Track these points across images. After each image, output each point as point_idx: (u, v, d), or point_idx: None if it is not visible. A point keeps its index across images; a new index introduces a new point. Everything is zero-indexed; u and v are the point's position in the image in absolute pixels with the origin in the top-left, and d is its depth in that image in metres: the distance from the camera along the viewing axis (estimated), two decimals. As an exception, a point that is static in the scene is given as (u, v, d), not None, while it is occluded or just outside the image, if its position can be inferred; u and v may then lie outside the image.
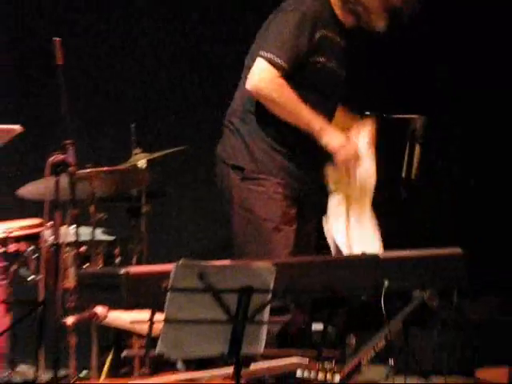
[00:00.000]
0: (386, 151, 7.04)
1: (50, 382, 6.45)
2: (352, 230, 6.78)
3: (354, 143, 6.87)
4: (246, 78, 6.94)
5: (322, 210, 6.89)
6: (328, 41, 7.03)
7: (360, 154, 6.84)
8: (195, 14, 9.17)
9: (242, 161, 6.92)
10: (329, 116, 7.10)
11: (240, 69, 6.99)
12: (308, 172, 7.00)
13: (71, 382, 6.76)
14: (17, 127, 6.47)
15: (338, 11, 7.04)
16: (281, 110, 6.86)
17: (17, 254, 6.85)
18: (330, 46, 7.04)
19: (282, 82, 6.86)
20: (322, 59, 6.99)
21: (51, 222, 6.67)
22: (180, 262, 4.86)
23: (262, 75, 6.85)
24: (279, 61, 6.80)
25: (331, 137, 6.81)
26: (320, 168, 6.92)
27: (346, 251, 6.66)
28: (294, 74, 6.93)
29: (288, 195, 6.90)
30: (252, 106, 6.97)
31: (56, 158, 6.33)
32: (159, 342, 4.96)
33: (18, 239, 6.84)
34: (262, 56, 6.83)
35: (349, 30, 7.16)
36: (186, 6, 9.11)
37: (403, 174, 6.95)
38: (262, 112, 6.92)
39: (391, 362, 6.57)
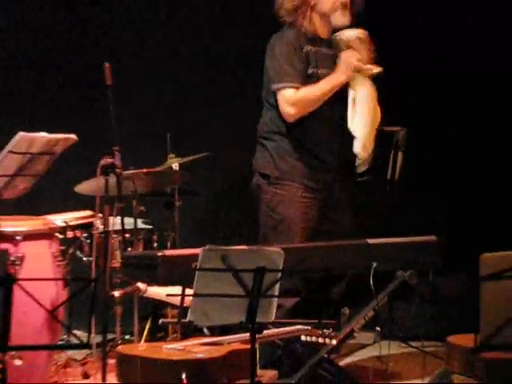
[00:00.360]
0: (376, 157, 7.07)
1: (99, 343, 6.49)
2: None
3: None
4: (267, 104, 7.14)
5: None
6: (313, 54, 7.07)
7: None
8: (225, 35, 8.96)
9: (268, 170, 7.00)
10: (330, 108, 7.08)
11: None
12: (323, 175, 7.04)
13: (117, 344, 6.81)
14: (72, 136, 6.51)
15: (311, 28, 7.01)
16: (314, 104, 6.98)
17: (73, 240, 6.86)
18: (316, 58, 7.08)
19: (301, 92, 6.97)
20: (312, 70, 7.05)
21: (101, 214, 6.74)
22: (206, 247, 4.98)
23: (285, 108, 6.96)
24: (288, 83, 6.89)
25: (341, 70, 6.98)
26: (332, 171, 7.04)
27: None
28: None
29: (306, 196, 6.94)
30: (275, 127, 7.05)
31: (105, 161, 6.40)
32: (189, 312, 5.06)
33: (74, 227, 6.85)
34: (275, 90, 6.98)
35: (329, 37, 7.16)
36: (218, 27, 8.95)
37: (388, 176, 6.95)
38: (282, 132, 7.00)
39: (378, 329, 6.61)
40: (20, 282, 4.48)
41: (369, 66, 7.03)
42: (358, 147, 6.91)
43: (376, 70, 7.02)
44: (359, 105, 6.98)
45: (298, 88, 6.96)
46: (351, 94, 7.02)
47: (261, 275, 4.65)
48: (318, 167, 7.06)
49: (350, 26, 7.10)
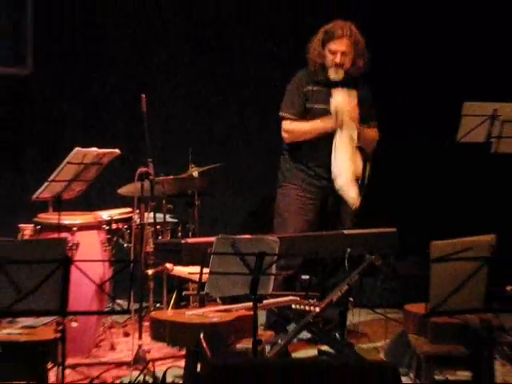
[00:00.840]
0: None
1: (137, 310, 6.52)
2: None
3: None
4: None
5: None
6: (313, 92, 6.95)
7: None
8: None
9: (279, 176, 7.05)
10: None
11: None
12: (319, 183, 6.97)
13: (150, 310, 6.87)
14: (116, 150, 6.56)
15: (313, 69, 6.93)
16: (302, 137, 6.91)
17: (117, 231, 6.87)
18: (315, 96, 6.95)
19: (294, 124, 6.95)
20: (310, 105, 6.95)
21: (138, 210, 6.77)
22: (219, 236, 5.04)
23: (282, 133, 7.01)
24: (286, 114, 6.95)
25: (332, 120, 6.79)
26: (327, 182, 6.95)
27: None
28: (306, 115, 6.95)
29: (302, 195, 6.91)
30: (285, 145, 7.07)
31: (141, 170, 6.43)
32: (206, 286, 5.12)
33: (117, 221, 6.85)
34: (280, 115, 6.98)
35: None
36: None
37: (359, 183, 6.91)
38: (286, 149, 7.05)
39: (351, 299, 6.64)
40: (75, 263, 4.54)
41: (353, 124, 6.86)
42: (338, 185, 6.86)
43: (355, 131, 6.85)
44: (339, 152, 6.85)
45: (292, 120, 6.95)
46: (335, 138, 6.87)
47: (261, 258, 4.73)
48: (314, 177, 6.96)
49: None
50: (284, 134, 7.00)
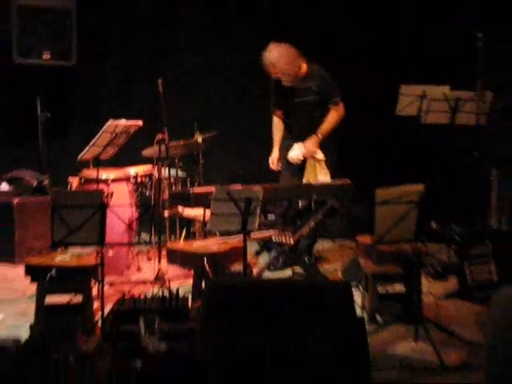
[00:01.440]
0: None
1: (156, 241, 6.53)
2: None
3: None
4: None
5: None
6: (285, 89, 6.69)
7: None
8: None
9: None
10: (298, 121, 6.81)
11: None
12: None
13: (166, 242, 6.82)
14: (140, 122, 6.54)
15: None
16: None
17: (141, 183, 6.82)
18: (288, 94, 6.72)
19: (274, 118, 6.91)
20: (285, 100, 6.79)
21: (157, 167, 6.79)
22: (218, 186, 5.06)
23: None
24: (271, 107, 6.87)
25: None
26: None
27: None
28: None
29: (287, 162, 6.76)
30: None
31: (159, 136, 6.43)
32: (208, 224, 5.14)
33: (141, 176, 6.82)
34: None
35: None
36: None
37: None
38: None
39: (317, 233, 6.69)
40: (110, 208, 4.58)
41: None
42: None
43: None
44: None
45: (273, 112, 6.91)
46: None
47: (249, 203, 4.77)
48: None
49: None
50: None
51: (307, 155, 6.60)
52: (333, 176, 6.66)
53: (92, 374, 2.59)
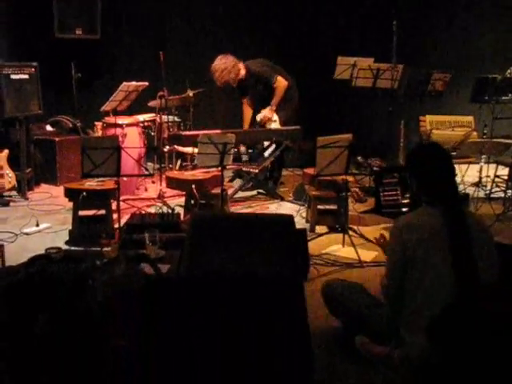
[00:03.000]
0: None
1: (159, 169, 6.53)
2: None
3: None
4: None
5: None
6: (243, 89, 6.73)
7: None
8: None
9: None
10: (257, 103, 6.78)
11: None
12: None
13: (166, 170, 6.73)
14: (146, 83, 6.47)
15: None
16: None
17: (147, 126, 6.78)
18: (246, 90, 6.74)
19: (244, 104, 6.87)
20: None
21: (159, 115, 6.72)
22: (202, 133, 4.99)
23: None
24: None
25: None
26: None
27: None
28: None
29: None
30: None
31: (160, 93, 6.37)
32: (195, 160, 5.11)
33: (148, 121, 6.79)
34: None
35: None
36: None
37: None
38: None
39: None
40: (123, 147, 4.54)
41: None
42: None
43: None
44: None
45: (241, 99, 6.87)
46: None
47: (225, 145, 4.75)
48: None
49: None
50: None
51: (265, 119, 6.57)
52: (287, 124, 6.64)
53: (112, 277, 2.58)
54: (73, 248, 4.82)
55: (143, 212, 4.47)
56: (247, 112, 6.91)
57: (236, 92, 6.86)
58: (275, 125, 6.61)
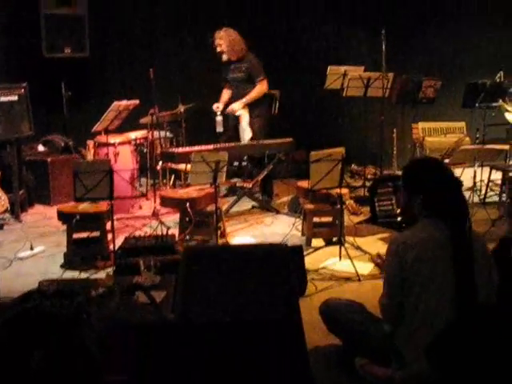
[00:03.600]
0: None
1: (152, 185, 6.50)
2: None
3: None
4: None
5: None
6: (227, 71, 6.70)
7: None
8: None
9: None
10: (233, 92, 6.74)
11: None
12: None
13: (160, 187, 6.68)
14: (137, 101, 6.45)
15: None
16: None
17: (139, 144, 6.73)
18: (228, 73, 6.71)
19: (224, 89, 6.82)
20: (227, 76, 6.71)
21: (150, 132, 6.69)
22: (193, 154, 4.94)
23: None
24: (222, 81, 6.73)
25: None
26: None
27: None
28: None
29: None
30: None
31: (151, 111, 6.34)
32: (189, 178, 5.09)
33: (139, 139, 6.73)
34: None
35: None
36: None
37: (272, 111, 6.84)
38: None
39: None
40: (116, 170, 4.52)
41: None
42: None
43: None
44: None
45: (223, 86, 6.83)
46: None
47: (217, 163, 4.73)
48: None
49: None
50: None
51: (230, 110, 6.59)
52: (266, 132, 6.67)
53: (107, 310, 2.55)
54: (68, 272, 4.79)
55: (137, 235, 4.42)
56: (225, 94, 6.85)
57: (222, 72, 6.80)
58: (244, 118, 6.57)
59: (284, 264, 2.17)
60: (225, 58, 6.58)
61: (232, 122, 6.75)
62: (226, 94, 6.83)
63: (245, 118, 6.57)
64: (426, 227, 2.88)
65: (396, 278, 2.90)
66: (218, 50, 6.54)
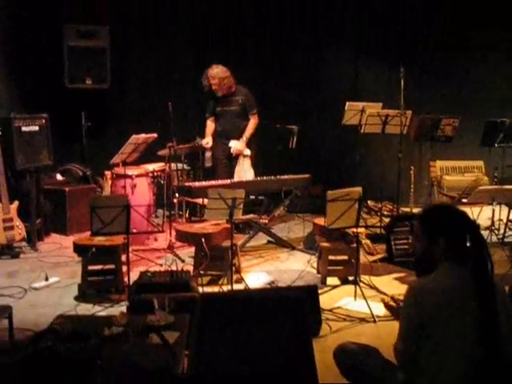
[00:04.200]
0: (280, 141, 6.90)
1: (168, 216, 6.50)
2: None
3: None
4: None
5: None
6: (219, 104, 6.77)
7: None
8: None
9: None
10: (226, 125, 6.79)
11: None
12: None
13: (175, 219, 6.70)
14: (155, 135, 6.48)
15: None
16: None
17: (157, 176, 6.81)
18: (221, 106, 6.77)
19: (208, 121, 6.85)
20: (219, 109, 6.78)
21: (168, 164, 6.71)
22: (210, 191, 4.91)
23: None
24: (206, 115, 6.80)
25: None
26: None
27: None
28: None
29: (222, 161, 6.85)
30: None
31: (169, 144, 6.36)
32: (205, 214, 5.05)
33: (157, 171, 6.80)
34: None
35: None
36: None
37: (290, 146, 6.80)
38: None
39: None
40: (133, 205, 4.53)
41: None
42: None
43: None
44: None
45: (208, 117, 6.86)
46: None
47: (234, 200, 4.72)
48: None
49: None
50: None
51: (239, 152, 6.65)
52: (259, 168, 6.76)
53: (121, 354, 2.53)
54: (82, 304, 4.78)
55: (152, 271, 4.41)
56: (210, 127, 6.89)
57: (208, 106, 6.88)
58: (247, 159, 6.66)
59: (299, 310, 2.15)
60: (219, 93, 6.71)
61: (222, 157, 6.86)
62: (211, 127, 6.89)
63: (248, 158, 6.68)
64: (446, 273, 2.84)
65: (413, 324, 2.84)
66: (213, 87, 6.64)
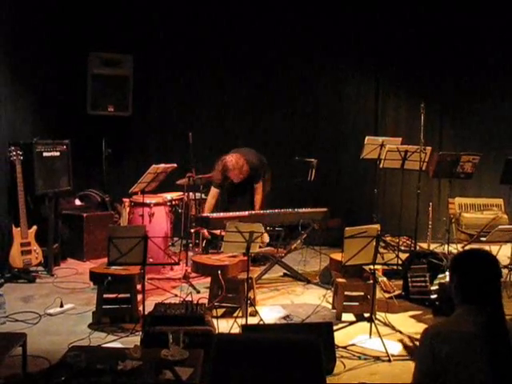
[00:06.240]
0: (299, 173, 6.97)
1: (184, 245, 6.50)
2: None
3: None
4: None
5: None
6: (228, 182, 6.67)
7: None
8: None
9: None
10: (234, 195, 6.84)
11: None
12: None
13: (191, 248, 6.70)
14: (175, 164, 6.50)
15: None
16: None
17: (175, 205, 6.83)
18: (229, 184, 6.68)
19: (212, 189, 6.70)
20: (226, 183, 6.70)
21: (186, 193, 6.74)
22: (228, 224, 4.90)
23: None
24: (213, 184, 6.65)
25: None
26: None
27: None
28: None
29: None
30: None
31: (188, 174, 6.41)
32: (222, 247, 5.05)
33: (175, 200, 6.82)
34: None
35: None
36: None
37: (309, 178, 6.80)
38: None
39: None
40: (150, 237, 4.54)
41: None
42: None
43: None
44: None
45: (215, 187, 6.69)
46: None
47: (251, 234, 4.72)
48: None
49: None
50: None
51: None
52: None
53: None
54: (96, 333, 4.78)
55: (167, 302, 4.41)
56: (213, 199, 6.76)
57: (215, 177, 6.74)
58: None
59: (315, 355, 2.14)
60: (236, 181, 6.62)
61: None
62: (213, 199, 6.73)
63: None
64: (463, 318, 2.81)
65: (428, 369, 2.81)
66: (235, 180, 6.58)
